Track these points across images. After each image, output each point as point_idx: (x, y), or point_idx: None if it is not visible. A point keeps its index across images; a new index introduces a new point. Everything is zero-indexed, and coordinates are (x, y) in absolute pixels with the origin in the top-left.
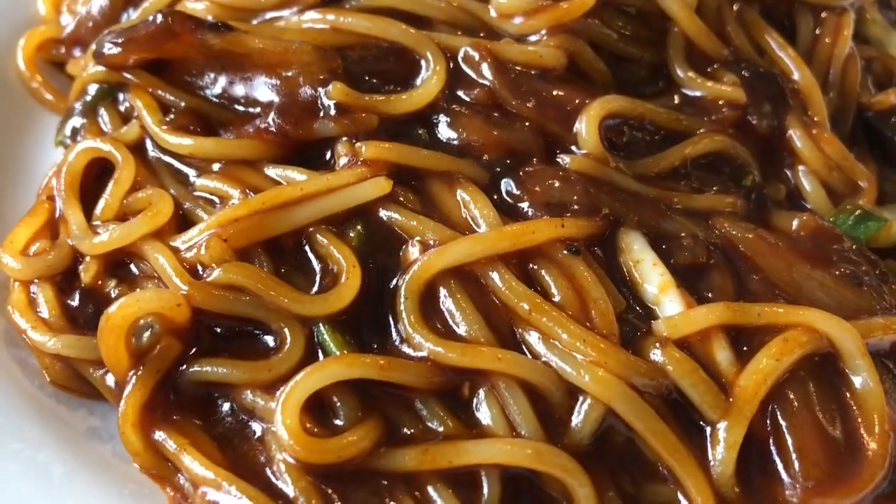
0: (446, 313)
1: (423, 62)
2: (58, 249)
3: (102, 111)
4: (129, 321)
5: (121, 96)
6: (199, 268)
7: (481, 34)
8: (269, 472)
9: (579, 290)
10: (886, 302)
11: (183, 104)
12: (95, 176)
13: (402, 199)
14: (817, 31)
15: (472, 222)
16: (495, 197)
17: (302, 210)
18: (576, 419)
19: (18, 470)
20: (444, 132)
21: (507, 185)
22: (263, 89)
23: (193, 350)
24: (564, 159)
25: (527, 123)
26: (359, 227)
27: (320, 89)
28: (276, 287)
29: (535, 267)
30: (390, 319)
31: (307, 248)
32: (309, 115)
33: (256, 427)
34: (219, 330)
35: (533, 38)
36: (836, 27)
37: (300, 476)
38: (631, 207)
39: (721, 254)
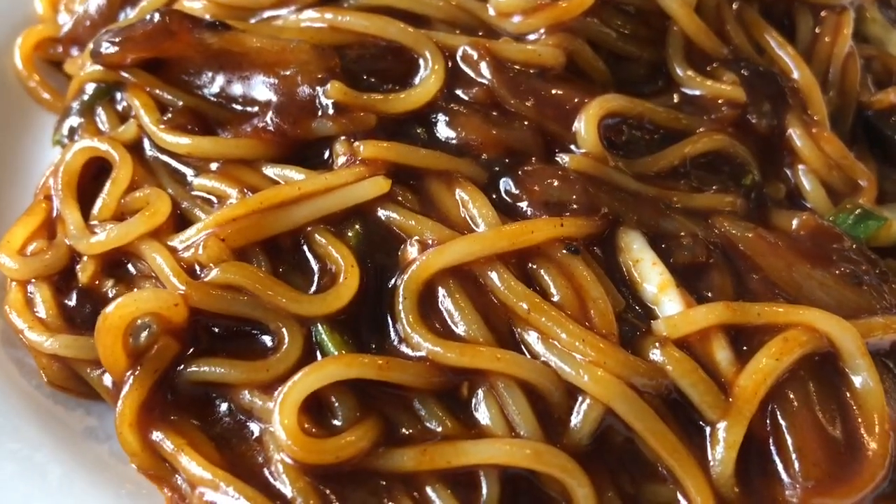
0: (445, 313)
1: (421, 61)
2: (55, 249)
3: (100, 110)
4: (127, 321)
5: (118, 95)
6: (197, 267)
7: (480, 33)
8: (266, 472)
9: (578, 289)
10: (886, 301)
11: (181, 103)
12: (93, 175)
13: (400, 198)
14: (817, 30)
15: (470, 222)
16: (494, 196)
17: (300, 209)
18: (575, 419)
19: (16, 470)
20: (443, 131)
21: (505, 184)
22: (261, 88)
23: (191, 350)
24: (563, 158)
25: (525, 122)
26: (357, 227)
27: (318, 88)
28: (273, 287)
29: (534, 266)
30: (389, 319)
31: (305, 247)
32: (307, 115)
33: (254, 427)
34: (216, 330)
35: (532, 36)
36: (835, 26)
37: (298, 476)
38: (630, 207)
39: (721, 253)
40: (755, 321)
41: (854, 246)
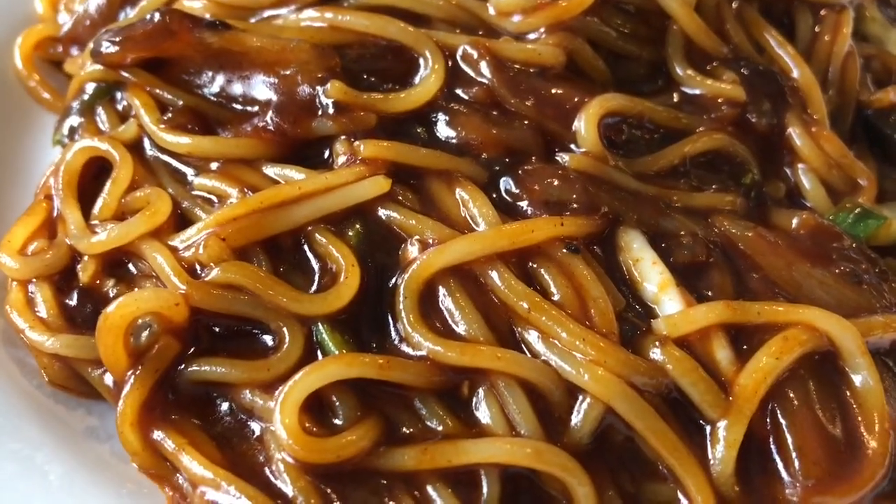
0: (445, 312)
1: (421, 60)
2: (56, 249)
3: (100, 110)
4: (128, 320)
5: (118, 95)
6: (198, 267)
7: (480, 32)
8: (267, 471)
9: (579, 288)
10: (886, 300)
11: (181, 103)
12: (93, 175)
13: (400, 197)
14: (816, 29)
15: (471, 221)
16: (494, 195)
17: (300, 209)
18: (575, 418)
19: (17, 469)
20: (443, 131)
21: (506, 183)
22: (261, 88)
23: (192, 349)
24: (563, 158)
25: (526, 122)
26: (357, 226)
27: (318, 88)
28: (274, 286)
29: (535, 266)
30: (389, 318)
31: (306, 247)
32: (307, 114)
33: (255, 426)
34: (217, 329)
35: (532, 36)
36: (835, 25)
37: (299, 476)
38: (630, 206)
39: (720, 252)
40: (755, 320)
41: (854, 245)
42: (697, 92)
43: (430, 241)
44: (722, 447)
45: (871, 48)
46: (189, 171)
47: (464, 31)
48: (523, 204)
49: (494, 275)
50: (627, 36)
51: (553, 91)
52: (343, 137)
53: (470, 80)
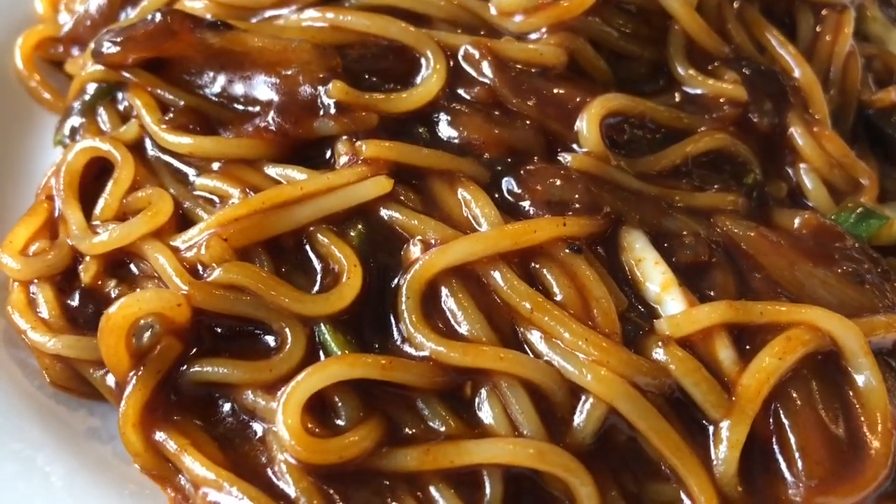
0: (448, 313)
1: (423, 60)
2: (57, 249)
3: (101, 110)
4: (130, 321)
5: (120, 95)
6: (200, 267)
7: (481, 32)
8: (270, 472)
9: (581, 288)
10: (889, 300)
11: (182, 103)
12: (95, 175)
13: (402, 197)
14: (818, 29)
15: (473, 221)
16: (496, 196)
17: (302, 209)
18: (578, 418)
19: (18, 470)
20: (445, 131)
21: (508, 183)
22: (263, 88)
23: (194, 350)
24: (565, 158)
25: (527, 122)
26: (360, 227)
27: (320, 88)
28: (276, 287)
29: (537, 266)
30: (392, 319)
31: (308, 247)
32: (309, 114)
33: (257, 427)
34: (219, 330)
35: (533, 36)
36: (836, 24)
37: (302, 476)
38: (632, 206)
39: (723, 252)
40: (758, 320)
41: (856, 245)
42: (699, 92)
43: (433, 241)
44: (725, 447)
45: (872, 48)
46: (191, 172)
47: (465, 31)
48: (525, 204)
49: (497, 275)
50: (629, 36)
51: (555, 91)
52: (345, 137)
53: (471, 80)
